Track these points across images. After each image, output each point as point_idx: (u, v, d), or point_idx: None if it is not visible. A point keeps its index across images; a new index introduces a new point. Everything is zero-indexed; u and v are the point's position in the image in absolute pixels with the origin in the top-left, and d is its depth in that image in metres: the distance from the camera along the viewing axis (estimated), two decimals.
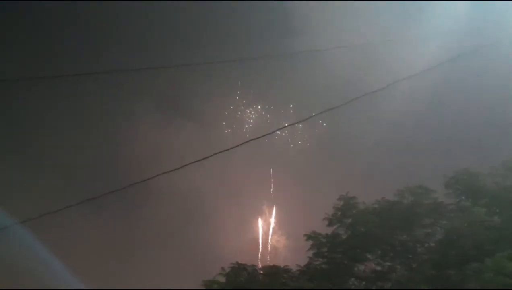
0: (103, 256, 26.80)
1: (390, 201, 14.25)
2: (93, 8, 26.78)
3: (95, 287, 23.02)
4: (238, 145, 11.95)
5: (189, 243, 28.16)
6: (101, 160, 29.54)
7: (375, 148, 27.21)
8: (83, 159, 29.20)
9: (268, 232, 29.20)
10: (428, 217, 13.78)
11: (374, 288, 13.93)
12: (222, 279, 13.85)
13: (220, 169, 27.85)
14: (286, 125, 30.62)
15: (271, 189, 30.32)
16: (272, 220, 29.89)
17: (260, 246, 27.21)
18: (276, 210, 30.29)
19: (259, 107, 30.32)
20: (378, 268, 14.11)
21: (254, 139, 12.60)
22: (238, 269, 13.94)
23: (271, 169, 30.28)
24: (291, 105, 29.66)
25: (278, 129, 30.68)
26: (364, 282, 14.06)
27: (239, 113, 30.35)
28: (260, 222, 29.88)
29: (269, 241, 28.10)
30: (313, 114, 13.56)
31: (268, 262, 14.46)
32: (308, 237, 14.48)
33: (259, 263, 14.38)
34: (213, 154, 11.15)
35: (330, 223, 14.55)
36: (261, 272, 14.09)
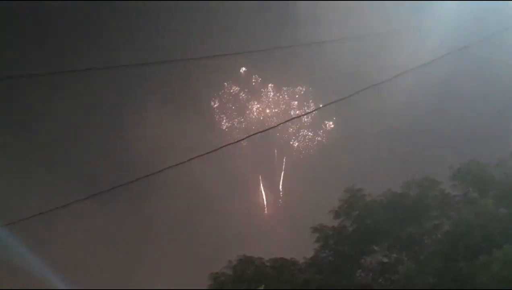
0: (111, 249, 27.00)
1: (397, 193, 14.19)
2: (97, 3, 26.77)
3: (103, 281, 23.20)
4: (244, 138, 11.95)
5: (196, 236, 28.29)
6: (108, 155, 29.66)
7: (381, 140, 27.10)
8: (90, 154, 29.33)
9: (274, 225, 29.27)
10: (435, 209, 13.73)
11: (381, 280, 13.94)
12: (229, 272, 13.91)
13: (227, 163, 27.88)
14: (292, 117, 30.52)
15: (278, 182, 30.34)
16: (279, 212, 29.96)
17: (267, 238, 27.26)
18: (282, 203, 30.35)
19: (264, 100, 30.25)
20: (385, 260, 14.11)
21: (260, 132, 12.58)
22: (245, 261, 13.98)
23: (277, 162, 30.26)
24: (297, 97, 29.57)
25: (284, 122, 30.52)
26: (371, 274, 14.07)
27: (244, 106, 30.30)
28: (266, 214, 29.97)
29: (276, 233, 28.16)
30: (319, 106, 13.54)
31: (274, 255, 14.41)
32: (315, 229, 14.48)
33: (266, 255, 14.35)
34: (220, 147, 11.17)
35: (337, 216, 14.54)
36: (268, 264, 14.12)
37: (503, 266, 10.29)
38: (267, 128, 28.29)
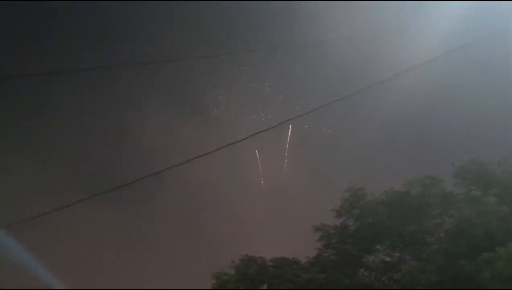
0: (114, 248, 27.04)
1: (399, 192, 14.21)
2: (98, 2, 26.77)
3: (106, 280, 23.23)
4: (245, 138, 11.96)
5: (198, 235, 28.32)
6: (111, 155, 29.70)
7: (382, 139, 27.09)
8: (92, 154, 29.37)
9: (277, 224, 29.29)
10: (437, 207, 13.75)
11: (383, 279, 13.96)
12: (232, 271, 13.94)
13: (229, 162, 27.91)
14: (293, 117, 30.46)
15: (279, 181, 30.35)
16: (281, 212, 29.95)
17: (269, 238, 27.29)
18: (284, 202, 30.35)
19: (265, 99, 30.25)
20: (388, 258, 14.13)
21: (261, 131, 12.59)
22: (248, 261, 14.02)
23: (279, 161, 30.27)
24: (298, 97, 29.57)
25: (285, 121, 30.49)
26: (373, 273, 14.09)
27: (245, 105, 30.31)
28: (268, 213, 29.96)
29: (278, 232, 28.18)
30: (320, 105, 13.54)
31: (277, 254, 14.46)
32: (317, 228, 14.51)
33: (268, 255, 14.41)
34: (222, 147, 11.17)
35: (339, 215, 14.56)
36: (270, 264, 14.16)
37: (506, 264, 10.30)
38: (268, 127, 28.24)
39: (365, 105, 25.17)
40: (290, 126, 29.46)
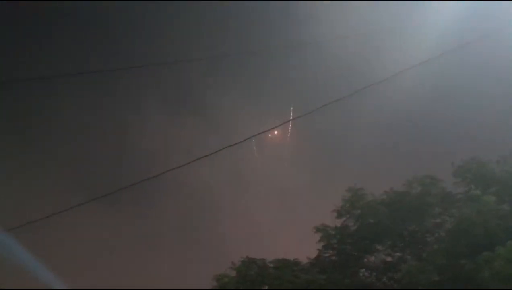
0: (114, 251, 27.04)
1: (399, 192, 14.23)
2: (95, 5, 26.79)
3: (107, 283, 23.23)
4: (245, 139, 11.95)
5: (199, 238, 28.31)
6: (110, 158, 29.70)
7: (382, 139, 27.09)
8: (92, 157, 29.37)
9: (277, 225, 29.28)
10: (437, 206, 13.77)
11: (384, 279, 13.98)
12: (232, 273, 13.97)
13: (229, 163, 27.92)
14: (293, 118, 30.54)
15: (279, 182, 30.35)
16: (281, 213, 29.94)
17: (269, 239, 27.28)
18: (284, 203, 30.33)
19: (265, 100, 30.27)
20: (388, 259, 14.16)
21: (260, 133, 12.59)
22: (248, 263, 14.05)
23: (279, 162, 30.29)
24: (298, 97, 29.57)
25: (285, 122, 30.54)
26: (374, 273, 14.11)
27: (245, 106, 30.32)
28: (268, 215, 29.96)
29: (278, 234, 28.19)
30: (319, 106, 13.55)
31: (277, 255, 14.48)
32: (317, 229, 14.53)
33: (268, 256, 14.43)
34: (222, 149, 11.18)
35: (339, 215, 14.59)
36: (271, 265, 14.17)
37: (505, 263, 10.31)
38: (268, 129, 28.28)
39: (364, 105, 25.17)
40: (290, 127, 29.51)
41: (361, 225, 14.20)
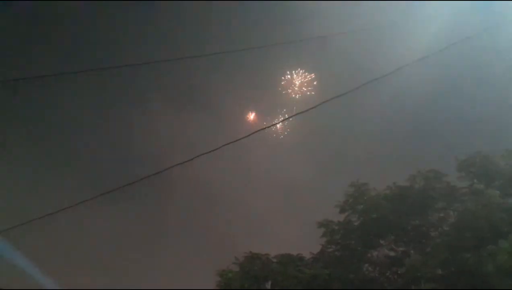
0: (118, 248, 27.15)
1: (402, 186, 14.19)
2: (100, 4, 26.80)
3: (110, 280, 23.36)
4: (248, 135, 11.96)
5: (203, 233, 28.39)
6: (115, 154, 29.78)
7: (385, 133, 27.00)
8: (96, 154, 29.46)
9: (280, 221, 29.30)
10: (441, 201, 13.71)
11: (388, 273, 13.95)
12: (237, 269, 13.99)
13: (233, 159, 27.91)
14: (296, 113, 30.44)
15: (283, 178, 30.34)
16: (285, 208, 29.96)
17: (273, 235, 27.32)
18: (287, 198, 30.34)
19: (268, 96, 30.21)
20: (392, 253, 14.12)
21: (264, 128, 12.59)
22: (252, 258, 14.07)
23: (282, 158, 30.25)
24: (301, 94, 29.51)
25: (289, 118, 30.48)
26: (378, 268, 14.09)
27: (248, 102, 30.30)
28: (272, 210, 29.98)
29: (282, 229, 28.21)
30: (321, 101, 13.52)
31: (281, 251, 14.50)
32: (321, 224, 14.52)
33: (272, 251, 14.45)
34: (225, 145, 11.21)
35: (342, 210, 14.56)
36: (275, 260, 14.19)
37: (509, 256, 10.29)
38: (271, 124, 28.28)
39: (367, 101, 25.11)
40: (293, 123, 29.47)
41: (365, 220, 14.18)
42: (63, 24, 27.84)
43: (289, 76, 30.08)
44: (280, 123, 28.42)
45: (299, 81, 29.90)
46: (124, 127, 29.68)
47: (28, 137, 27.87)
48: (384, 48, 24.75)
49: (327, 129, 29.33)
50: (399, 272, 13.71)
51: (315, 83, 29.32)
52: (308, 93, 29.56)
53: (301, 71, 29.57)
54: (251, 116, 29.45)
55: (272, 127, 28.88)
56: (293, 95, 29.94)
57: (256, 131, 12.31)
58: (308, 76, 29.69)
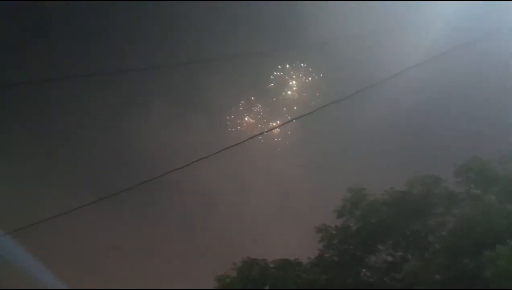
0: (117, 252, 27.10)
1: (400, 192, 14.21)
2: (100, 8, 26.88)
3: (109, 286, 23.31)
4: (247, 139, 12.01)
5: (201, 239, 28.36)
6: (114, 159, 29.78)
7: (383, 138, 27.07)
8: (95, 159, 29.45)
9: (278, 226, 29.29)
10: (439, 206, 13.74)
11: (386, 279, 13.95)
12: (234, 274, 13.98)
13: (232, 163, 27.92)
14: (295, 118, 30.56)
15: (281, 183, 30.36)
16: (282, 213, 29.95)
17: (271, 240, 27.30)
18: (286, 204, 30.34)
19: (267, 100, 30.30)
20: (390, 258, 14.13)
21: (263, 133, 12.62)
22: (250, 263, 14.06)
23: (281, 163, 30.28)
24: (300, 98, 29.58)
25: (286, 122, 30.60)
26: (376, 273, 14.09)
27: (248, 107, 30.37)
28: (270, 216, 29.97)
29: (280, 234, 28.20)
30: (320, 106, 13.60)
31: (279, 256, 14.51)
32: (318, 229, 14.53)
33: (270, 257, 14.45)
34: (223, 149, 11.25)
35: (340, 215, 14.58)
36: (273, 265, 14.18)
37: (507, 261, 10.30)
38: (270, 128, 28.37)
39: (365, 105, 25.21)
40: (291, 127, 29.52)
41: (363, 225, 14.19)
42: (61, 24, 27.93)
43: (288, 81, 30.20)
44: (279, 128, 28.50)
45: (298, 86, 30.00)
46: (124, 131, 29.71)
47: (28, 139, 27.89)
48: (383, 53, 24.87)
49: (326, 134, 29.40)
50: (397, 277, 13.71)
51: (314, 87, 29.43)
52: (307, 97, 29.68)
53: (300, 76, 29.69)
54: (251, 120, 29.50)
55: (271, 131, 28.98)
56: (293, 100, 30.04)
57: (255, 135, 12.38)
58: (307, 81, 29.81)
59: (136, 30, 28.74)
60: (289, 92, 30.14)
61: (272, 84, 30.29)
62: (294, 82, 30.06)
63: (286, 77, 29.80)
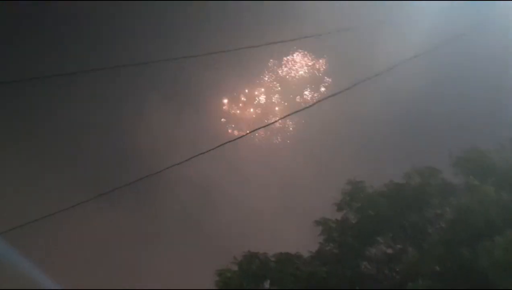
0: (116, 249, 27.15)
1: (398, 184, 14.28)
2: (96, 3, 26.79)
3: (108, 282, 23.37)
4: (246, 134, 12.02)
5: (201, 233, 28.41)
6: (112, 155, 29.75)
7: (381, 131, 27.13)
8: (93, 155, 29.42)
9: (278, 220, 29.37)
10: (437, 197, 13.82)
11: (386, 270, 14.05)
12: (235, 268, 14.04)
13: (231, 158, 27.96)
14: (294, 111, 30.59)
15: (281, 176, 30.41)
16: (282, 207, 30.02)
17: (271, 234, 27.37)
18: (285, 197, 30.39)
19: (265, 94, 30.28)
20: (389, 250, 14.22)
21: (262, 127, 12.66)
22: (250, 257, 14.12)
23: (280, 156, 30.32)
24: (298, 91, 29.59)
25: (286, 116, 30.64)
26: (376, 265, 14.18)
27: (246, 101, 30.35)
28: (270, 209, 30.02)
29: (280, 228, 28.27)
30: (319, 99, 13.65)
31: (279, 249, 14.57)
32: (318, 222, 14.61)
33: (270, 250, 14.50)
34: (222, 144, 11.27)
35: (339, 208, 14.65)
36: (273, 259, 14.25)
37: (504, 251, 10.39)
38: (269, 123, 28.41)
39: (362, 98, 25.24)
40: (291, 122, 29.55)
41: (362, 218, 14.27)
42: (50, 23, 27.84)
43: (285, 75, 30.19)
44: (277, 122, 28.52)
45: (298, 79, 30.01)
46: (122, 127, 29.67)
47: (26, 137, 27.86)
48: (377, 47, 24.90)
49: (324, 128, 29.44)
50: (396, 268, 13.81)
51: (312, 81, 29.45)
52: (305, 92, 29.71)
53: (297, 70, 29.69)
54: (248, 115, 29.50)
55: (269, 126, 28.99)
56: (290, 94, 30.05)
57: (254, 130, 12.38)
58: (303, 75, 29.81)
59: (130, 27, 28.69)
60: (288, 86, 30.16)
61: (270, 79, 30.32)
62: (291, 75, 30.09)
63: (284, 72, 29.82)
